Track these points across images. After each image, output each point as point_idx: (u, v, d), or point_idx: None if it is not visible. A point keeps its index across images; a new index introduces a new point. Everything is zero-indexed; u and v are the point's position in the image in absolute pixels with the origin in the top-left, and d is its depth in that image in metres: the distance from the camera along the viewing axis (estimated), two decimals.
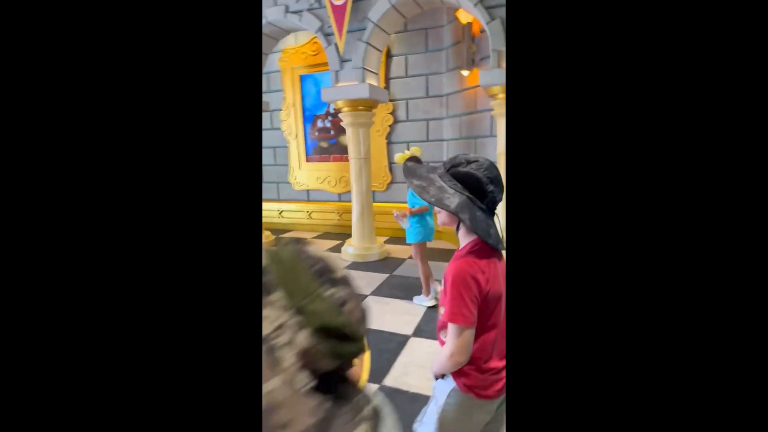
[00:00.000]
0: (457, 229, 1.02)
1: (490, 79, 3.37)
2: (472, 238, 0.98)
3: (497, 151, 3.67)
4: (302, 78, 5.61)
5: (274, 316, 0.38)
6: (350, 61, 3.95)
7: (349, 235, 5.47)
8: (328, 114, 5.58)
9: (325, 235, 5.59)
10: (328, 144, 5.67)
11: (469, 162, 0.95)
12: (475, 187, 0.93)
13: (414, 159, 3.05)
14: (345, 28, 3.77)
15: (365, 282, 3.60)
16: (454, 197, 0.92)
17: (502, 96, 3.42)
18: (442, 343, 1.02)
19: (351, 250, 4.32)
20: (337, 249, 4.77)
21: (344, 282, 0.43)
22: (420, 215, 2.99)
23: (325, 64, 5.32)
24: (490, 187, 0.94)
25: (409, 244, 3.06)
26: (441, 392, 1.04)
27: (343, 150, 5.59)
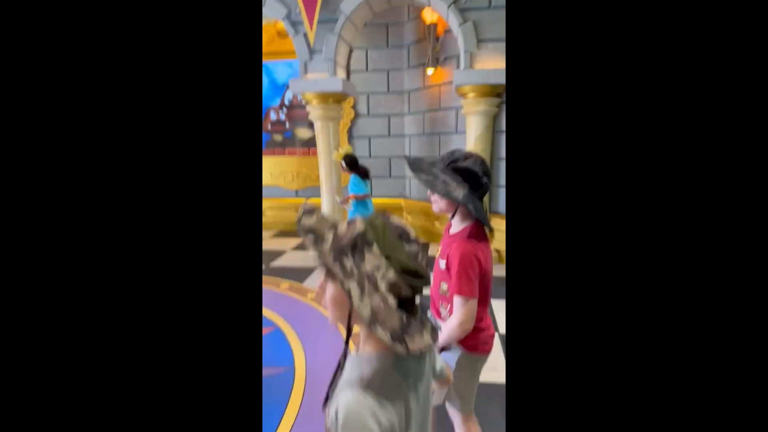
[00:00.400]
0: (453, 215, 1.14)
1: (465, 79, 3.55)
2: (467, 223, 1.11)
3: (467, 148, 3.88)
4: None
5: (374, 259, 0.56)
6: (320, 52, 3.83)
7: None
8: (282, 106, 5.32)
9: (283, 233, 5.36)
10: (282, 137, 5.42)
11: (465, 158, 1.07)
12: (473, 180, 1.05)
13: (349, 156, 3.36)
14: (316, 19, 3.64)
15: None
16: (459, 189, 1.04)
17: (473, 95, 3.62)
18: (439, 315, 1.17)
19: None
20: (304, 247, 4.62)
21: (416, 241, 0.63)
22: (363, 200, 3.36)
23: (279, 53, 5.07)
24: (484, 179, 1.07)
25: None
26: (450, 362, 1.15)
27: (300, 143, 5.40)
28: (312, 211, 0.62)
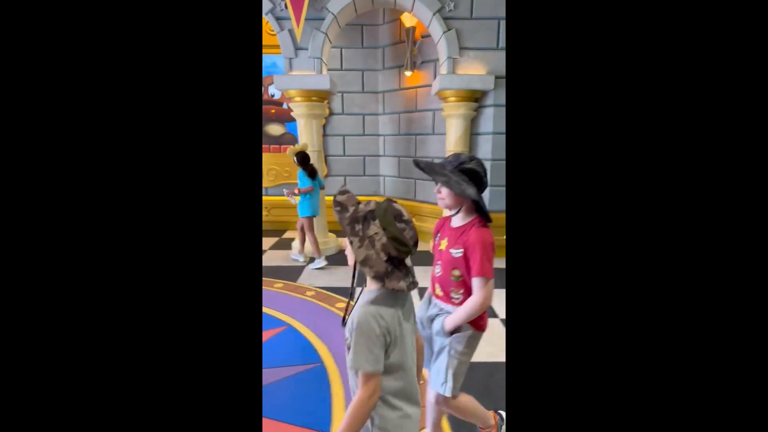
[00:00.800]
0: (457, 211, 1.31)
1: (448, 83, 3.77)
2: (472, 217, 1.28)
3: (447, 149, 4.12)
4: None
5: (375, 228, 0.84)
6: (306, 49, 3.81)
7: (281, 232, 5.23)
8: None
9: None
10: None
11: (471, 160, 1.25)
12: (478, 179, 1.24)
13: (301, 153, 3.64)
14: (303, 16, 3.62)
15: (338, 277, 3.61)
16: (470, 188, 1.22)
17: (453, 99, 3.86)
18: (449, 299, 1.30)
19: (305, 245, 4.20)
20: (281, 246, 4.54)
21: (407, 222, 0.87)
22: (310, 193, 3.73)
23: None
24: (485, 179, 1.27)
25: (301, 217, 3.80)
26: (458, 342, 1.30)
27: (270, 140, 5.27)
28: (345, 192, 0.92)
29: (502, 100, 3.84)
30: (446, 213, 1.39)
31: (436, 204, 4.58)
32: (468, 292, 1.26)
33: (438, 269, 1.31)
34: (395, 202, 0.89)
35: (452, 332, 1.28)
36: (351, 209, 0.87)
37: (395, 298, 0.89)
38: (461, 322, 1.25)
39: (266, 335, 2.46)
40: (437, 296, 1.34)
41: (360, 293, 0.93)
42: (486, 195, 4.16)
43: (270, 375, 2.03)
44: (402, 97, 4.83)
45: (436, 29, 3.81)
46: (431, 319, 1.35)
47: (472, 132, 4.05)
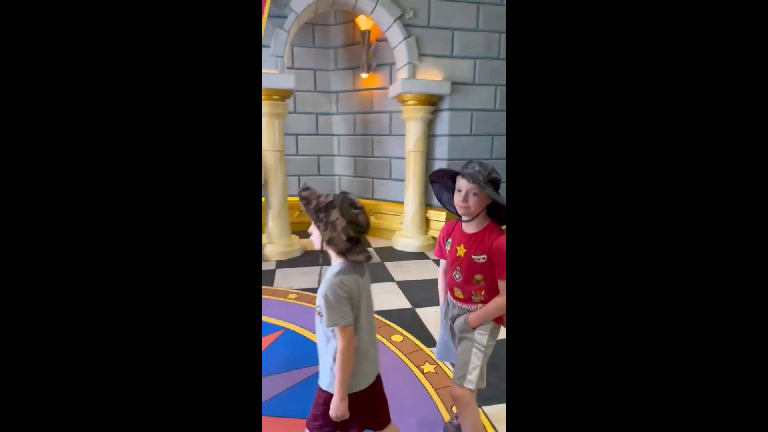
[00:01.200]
0: (472, 218, 1.34)
1: (409, 88, 3.98)
2: (487, 222, 1.35)
3: (407, 149, 4.33)
4: None
5: (335, 214, 1.04)
6: (268, 47, 3.70)
7: None
8: None
9: None
10: None
11: (494, 170, 1.32)
12: (498, 187, 1.39)
13: None
14: (266, 13, 3.52)
15: (314, 278, 3.60)
16: (501, 196, 1.37)
17: (413, 102, 4.09)
18: (470, 301, 1.38)
19: (270, 248, 4.08)
20: None
21: (360, 208, 1.08)
22: None
23: None
24: (501, 186, 1.44)
25: None
26: (482, 335, 1.45)
27: None
28: (307, 188, 1.11)
29: (457, 104, 4.17)
30: (432, 214, 1.40)
31: (394, 202, 4.77)
32: (489, 293, 1.35)
33: (458, 275, 1.37)
34: (349, 193, 1.11)
35: (477, 326, 1.38)
36: (314, 202, 1.08)
37: (355, 269, 1.12)
38: (486, 318, 1.36)
39: (266, 341, 2.40)
40: (458, 299, 1.41)
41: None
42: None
43: (286, 378, 2.01)
44: (357, 98, 4.93)
45: (395, 35, 3.99)
46: (453, 319, 1.43)
47: (429, 134, 4.32)
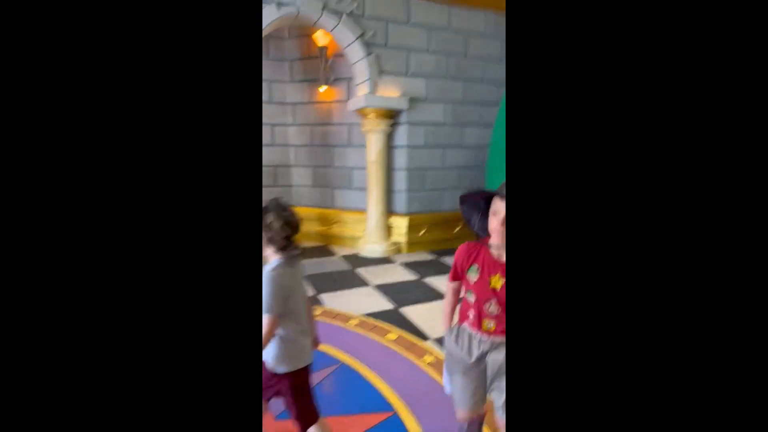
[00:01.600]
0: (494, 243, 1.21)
1: (372, 102, 4.24)
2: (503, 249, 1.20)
3: (369, 159, 4.56)
4: None
5: (270, 217, 1.26)
6: None
7: None
8: None
9: None
10: None
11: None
12: None
13: None
14: None
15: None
16: None
17: (373, 116, 4.36)
18: (502, 332, 1.25)
19: None
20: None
21: (291, 211, 1.30)
22: None
23: None
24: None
25: None
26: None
27: None
28: None
29: (413, 118, 4.53)
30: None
31: (355, 210, 4.96)
32: None
33: (493, 307, 1.23)
34: (280, 198, 1.32)
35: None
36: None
37: (290, 263, 1.32)
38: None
39: (319, 376, 2.10)
40: (488, 332, 1.26)
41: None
42: (398, 201, 4.78)
43: (341, 426, 1.77)
44: (315, 110, 5.04)
45: (356, 52, 4.22)
46: (484, 354, 1.28)
47: (389, 145, 4.61)
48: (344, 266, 4.27)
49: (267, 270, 1.29)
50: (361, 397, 2.02)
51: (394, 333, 2.71)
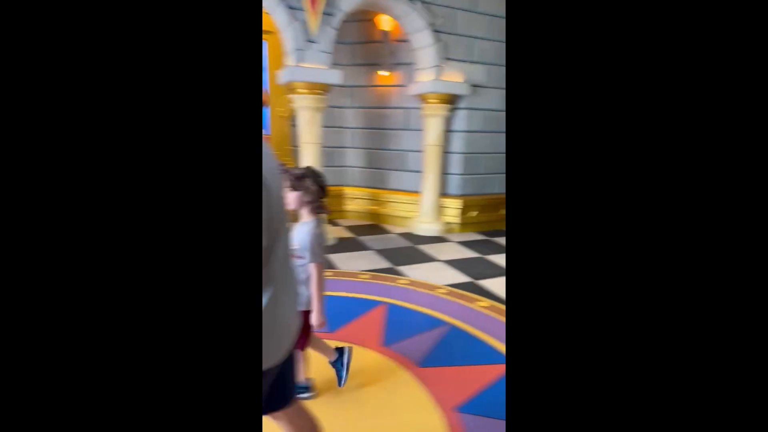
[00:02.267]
0: None
1: (435, 88, 4.43)
2: None
3: (427, 143, 4.78)
4: None
5: (308, 182, 1.53)
6: (317, 43, 3.85)
7: None
8: None
9: None
10: None
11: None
12: None
13: None
14: (321, 10, 3.67)
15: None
16: None
17: (434, 101, 4.55)
18: None
19: None
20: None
21: (324, 177, 1.58)
22: None
23: None
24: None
25: None
26: None
27: None
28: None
29: (473, 103, 4.73)
30: None
31: (407, 191, 5.20)
32: None
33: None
34: (312, 166, 1.55)
35: None
36: (289, 174, 1.49)
37: (321, 223, 1.55)
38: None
39: (431, 336, 2.44)
40: None
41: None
42: (459, 182, 5.02)
43: (465, 374, 2.04)
44: (374, 93, 5.22)
45: (424, 39, 4.38)
46: None
47: (447, 129, 4.82)
48: (405, 243, 4.53)
49: (310, 227, 1.51)
50: (478, 352, 2.31)
51: (485, 301, 2.99)
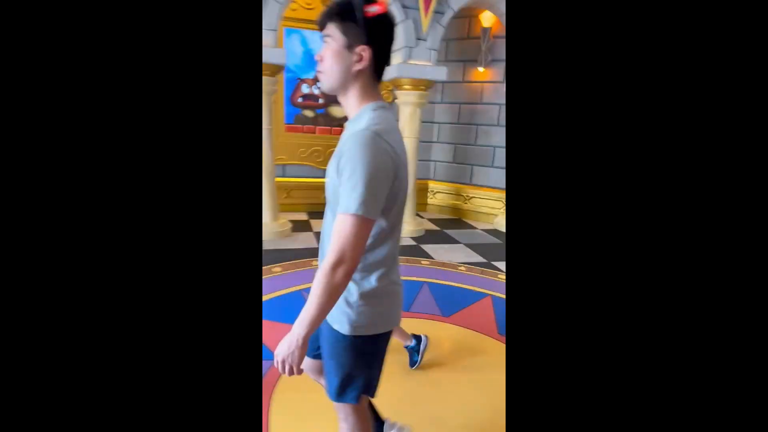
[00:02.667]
0: None
1: None
2: None
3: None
4: (286, 32, 4.71)
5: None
6: (425, 41, 3.99)
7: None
8: (317, 79, 4.98)
9: (313, 215, 5.14)
10: (314, 113, 5.09)
11: None
12: None
13: None
14: (433, 8, 3.81)
15: (458, 252, 4.02)
16: None
17: None
18: None
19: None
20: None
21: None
22: None
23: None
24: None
25: None
26: None
27: (330, 122, 5.21)
28: None
29: None
30: None
31: (493, 188, 5.22)
32: None
33: None
34: None
35: None
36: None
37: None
38: None
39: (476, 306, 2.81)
40: None
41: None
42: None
43: None
44: (466, 89, 5.28)
45: None
46: None
47: None
48: (494, 240, 4.59)
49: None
50: None
51: None
